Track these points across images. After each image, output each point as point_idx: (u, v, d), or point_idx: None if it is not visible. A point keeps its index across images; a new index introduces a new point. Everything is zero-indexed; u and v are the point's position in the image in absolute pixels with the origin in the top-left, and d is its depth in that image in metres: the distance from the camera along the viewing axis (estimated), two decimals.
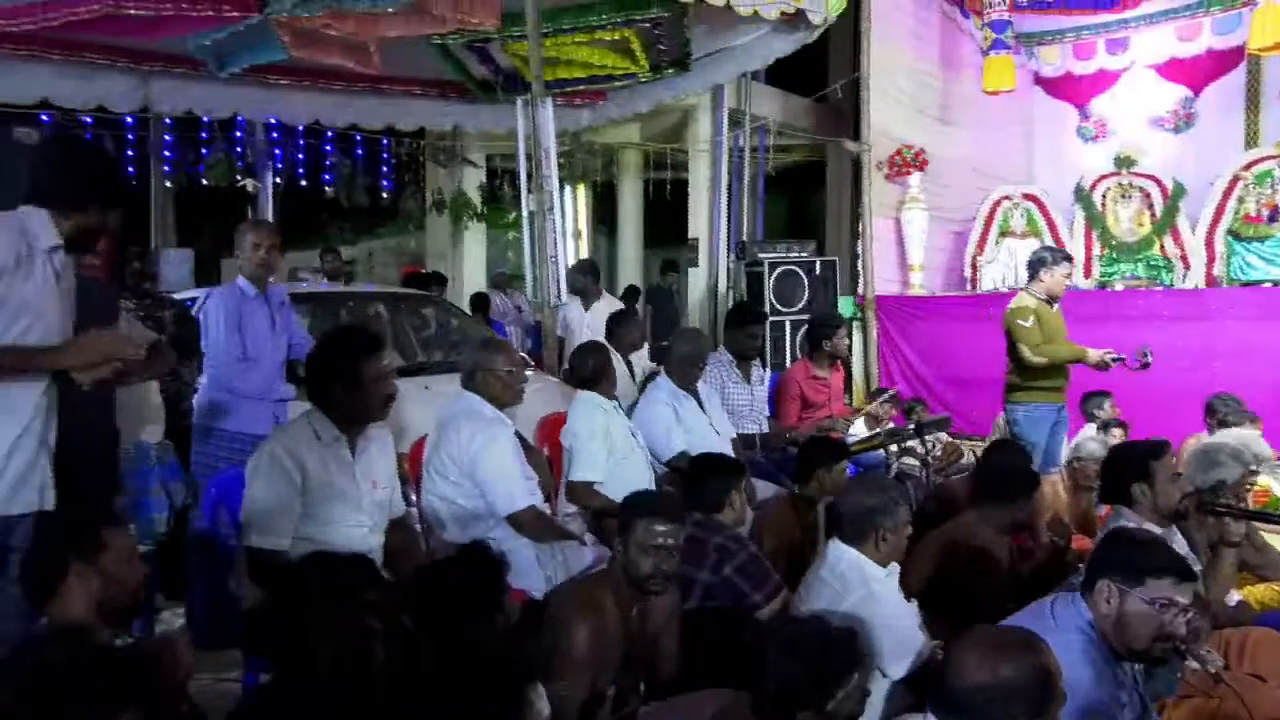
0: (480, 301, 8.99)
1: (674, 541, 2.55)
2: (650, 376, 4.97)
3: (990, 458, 4.16)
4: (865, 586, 2.67)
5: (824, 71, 11.36)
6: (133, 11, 5.19)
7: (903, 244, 8.61)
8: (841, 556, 2.75)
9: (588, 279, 6.27)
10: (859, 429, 5.53)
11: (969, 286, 8.64)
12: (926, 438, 4.70)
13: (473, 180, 10.96)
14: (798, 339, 7.44)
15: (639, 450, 3.92)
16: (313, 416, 2.69)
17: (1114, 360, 4.82)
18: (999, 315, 4.99)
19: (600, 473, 3.74)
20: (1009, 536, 3.43)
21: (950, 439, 5.73)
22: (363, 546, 2.66)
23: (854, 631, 2.20)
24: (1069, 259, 5.10)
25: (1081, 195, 8.44)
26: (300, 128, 8.63)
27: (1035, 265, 4.98)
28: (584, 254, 11.97)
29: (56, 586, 1.84)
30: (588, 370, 4.00)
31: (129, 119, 7.91)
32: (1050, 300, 4.91)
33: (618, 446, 3.80)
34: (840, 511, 2.82)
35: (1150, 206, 8.24)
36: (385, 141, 9.65)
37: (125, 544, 1.97)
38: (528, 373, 3.67)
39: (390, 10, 5.37)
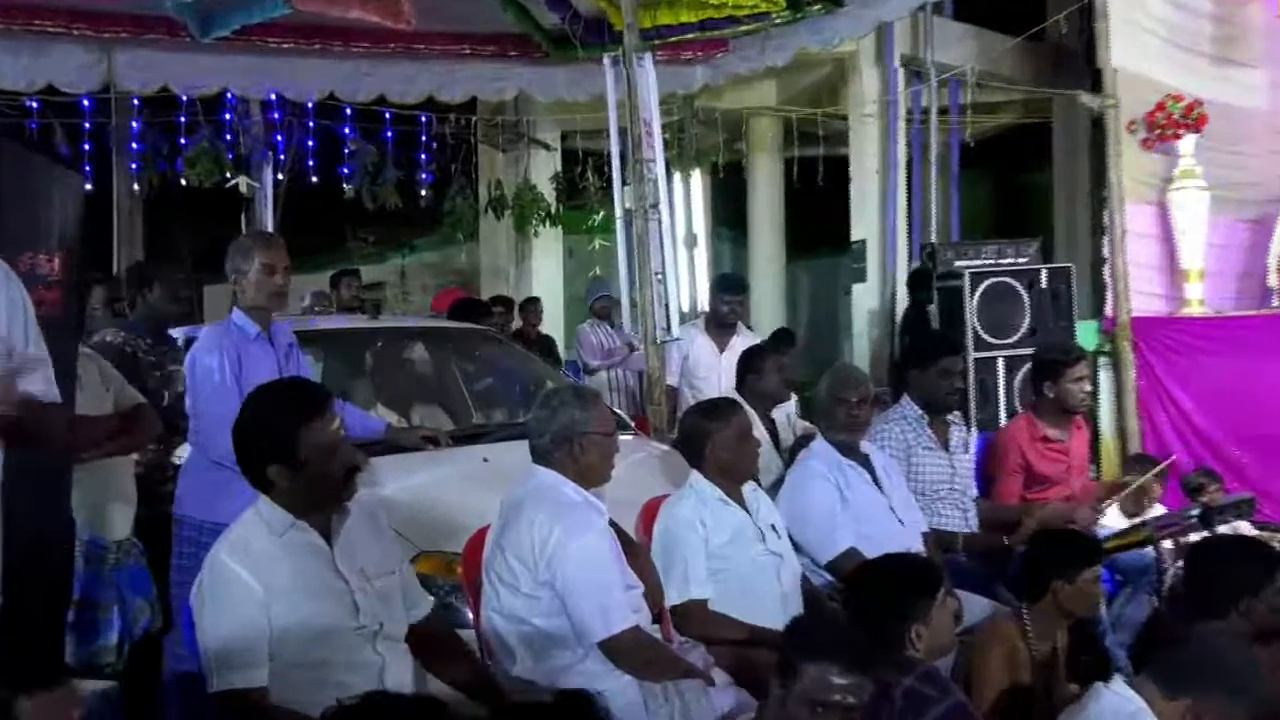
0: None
1: (855, 700, 2.56)
2: (802, 441, 4.94)
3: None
4: None
5: None
6: None
7: (1171, 241, 8.39)
8: (1115, 706, 2.71)
9: (734, 302, 6.30)
10: (1114, 517, 5.41)
11: (1276, 301, 8.34)
12: (1219, 529, 4.56)
13: (544, 169, 11.20)
14: (1015, 383, 7.30)
15: (770, 554, 3.87)
16: (260, 505, 2.80)
17: None
18: None
19: (705, 585, 3.74)
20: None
21: (1257, 529, 5.51)
22: (372, 662, 2.74)
23: None
24: None
25: None
26: (310, 106, 9.00)
27: None
28: (702, 265, 12.01)
29: None
30: (683, 444, 4.03)
31: (86, 102, 8.42)
32: None
33: (715, 550, 3.77)
34: (1174, 648, 2.87)
35: None
36: (423, 120, 9.99)
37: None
38: (626, 437, 3.69)
39: None
